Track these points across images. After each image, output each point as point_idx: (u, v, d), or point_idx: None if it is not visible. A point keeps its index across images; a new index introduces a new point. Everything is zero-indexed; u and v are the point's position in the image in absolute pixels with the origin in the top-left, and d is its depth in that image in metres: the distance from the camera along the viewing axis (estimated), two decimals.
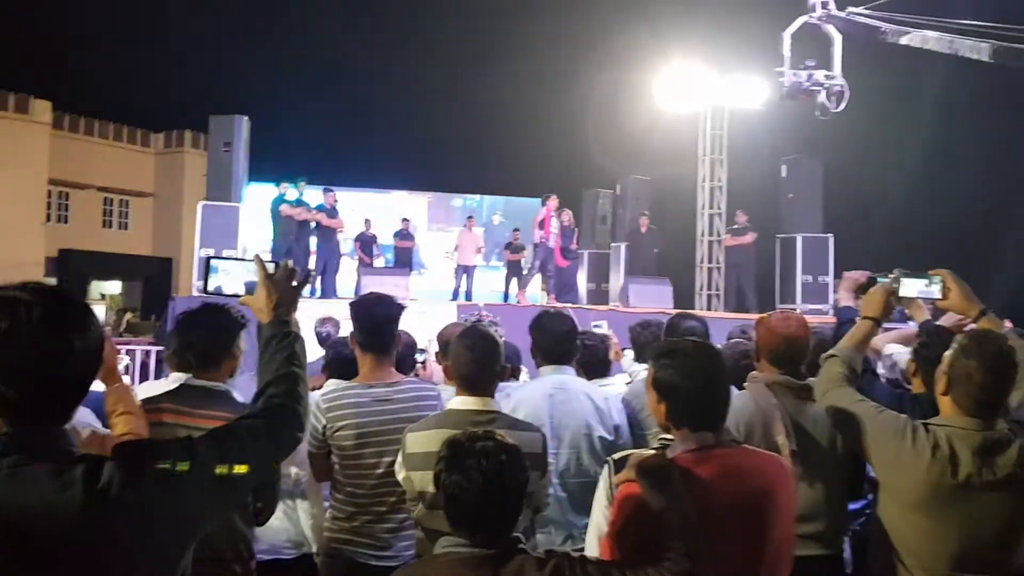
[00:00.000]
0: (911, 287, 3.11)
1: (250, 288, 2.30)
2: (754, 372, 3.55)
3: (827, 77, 13.96)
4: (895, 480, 2.73)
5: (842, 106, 13.88)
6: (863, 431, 2.81)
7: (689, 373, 2.43)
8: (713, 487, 2.33)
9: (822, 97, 13.93)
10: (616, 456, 2.81)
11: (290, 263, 2.32)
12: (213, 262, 2.39)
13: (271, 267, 2.28)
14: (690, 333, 4.33)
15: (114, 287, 38.88)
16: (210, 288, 2.39)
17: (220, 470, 1.74)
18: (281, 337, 2.16)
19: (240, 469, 1.79)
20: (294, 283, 2.27)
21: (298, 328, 2.23)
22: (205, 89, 35.76)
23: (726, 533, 2.28)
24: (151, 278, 37.31)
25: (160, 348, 10.99)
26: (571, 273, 17.13)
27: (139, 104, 38.48)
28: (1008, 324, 3.47)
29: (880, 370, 4.01)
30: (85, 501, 1.54)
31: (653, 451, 2.48)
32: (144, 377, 11.56)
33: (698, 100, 17.84)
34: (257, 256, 2.31)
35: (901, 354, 4.09)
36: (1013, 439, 2.64)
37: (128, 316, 28.59)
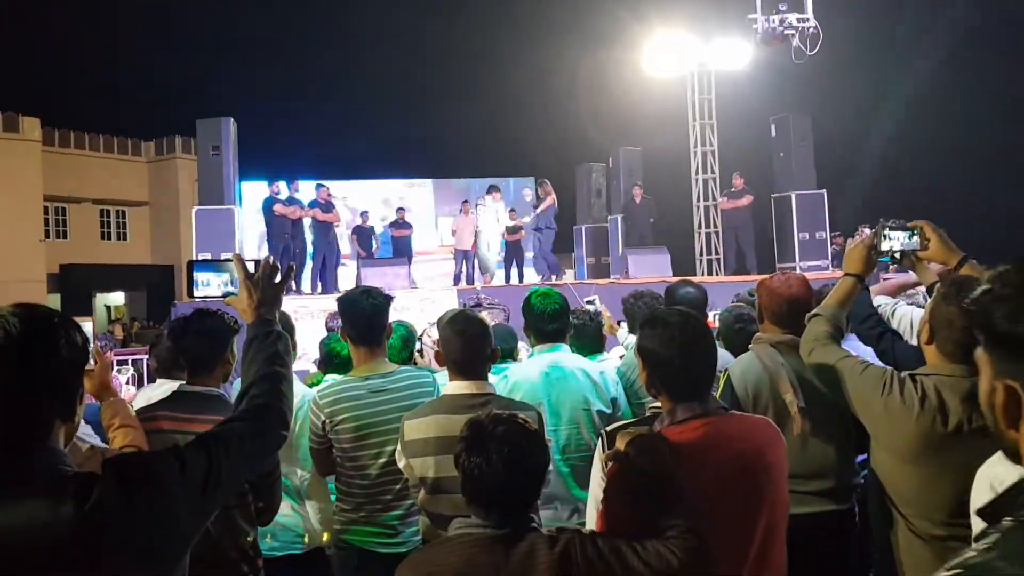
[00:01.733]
0: (891, 241, 3.12)
1: (233, 289, 2.30)
2: (759, 333, 3.58)
3: (800, 20, 13.89)
4: (886, 433, 2.73)
5: (816, 49, 13.80)
6: (850, 387, 2.82)
7: (666, 342, 2.46)
8: (703, 456, 2.35)
9: (796, 41, 13.86)
10: (608, 428, 2.85)
11: (271, 259, 2.30)
12: (196, 267, 2.38)
13: (251, 266, 2.27)
14: (687, 300, 4.35)
15: (118, 298, 38.93)
16: (196, 294, 2.38)
17: (209, 476, 1.75)
18: (264, 336, 2.16)
19: (228, 473, 1.81)
20: (275, 280, 2.27)
21: (280, 326, 2.23)
22: (191, 94, 35.79)
23: (721, 499, 2.31)
24: (154, 286, 37.36)
25: None
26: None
27: (127, 114, 38.54)
28: None
29: None
30: (76, 520, 1.53)
31: (640, 426, 2.50)
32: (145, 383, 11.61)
33: (683, 66, 17.79)
34: (236, 255, 2.30)
35: (908, 310, 4.10)
36: None
37: (136, 326, 28.72)
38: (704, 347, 2.51)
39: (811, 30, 13.90)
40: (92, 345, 2.39)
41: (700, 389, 2.48)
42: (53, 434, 1.66)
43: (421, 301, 12.42)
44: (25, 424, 1.62)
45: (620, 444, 2.32)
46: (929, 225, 3.12)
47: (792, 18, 13.96)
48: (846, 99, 20.20)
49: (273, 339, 2.17)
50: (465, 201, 18.26)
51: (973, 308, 1.31)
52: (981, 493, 2.14)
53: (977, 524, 1.24)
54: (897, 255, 3.13)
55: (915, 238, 3.09)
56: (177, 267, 36.07)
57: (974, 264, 3.00)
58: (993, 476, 2.09)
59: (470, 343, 3.18)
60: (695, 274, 16.80)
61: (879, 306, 4.10)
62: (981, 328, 1.28)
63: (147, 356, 12.48)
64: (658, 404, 2.73)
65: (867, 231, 3.43)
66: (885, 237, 3.10)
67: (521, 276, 16.85)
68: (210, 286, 2.36)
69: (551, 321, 3.94)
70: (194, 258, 13.60)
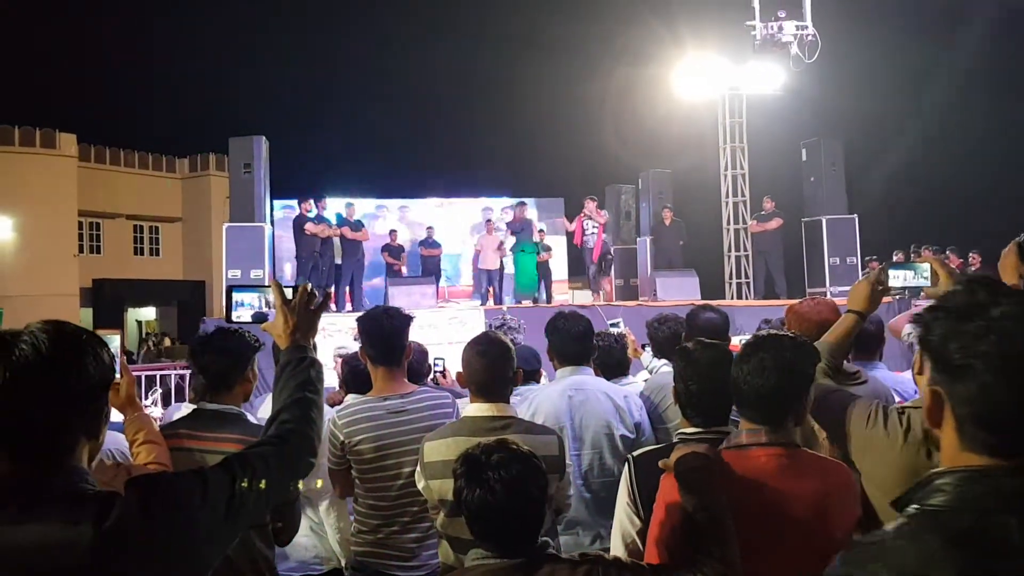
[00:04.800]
0: (899, 277, 3.06)
1: (267, 315, 2.32)
2: None
3: (798, 28, 13.84)
4: (870, 466, 2.63)
5: (815, 56, 13.74)
6: (839, 420, 2.76)
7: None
8: (753, 486, 2.30)
9: (795, 48, 13.81)
10: (636, 453, 2.81)
11: (309, 286, 2.32)
12: (235, 292, 2.40)
13: (289, 292, 2.28)
14: (709, 326, 4.30)
15: (149, 313, 39.33)
16: (234, 317, 2.41)
17: (232, 500, 1.73)
18: (297, 363, 2.16)
19: (252, 497, 1.79)
20: (312, 307, 2.28)
21: (314, 352, 2.23)
22: (226, 112, 36.20)
23: (768, 536, 2.25)
24: (185, 302, 37.70)
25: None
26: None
27: (162, 131, 39.09)
28: None
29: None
30: (95, 540, 1.52)
31: (695, 445, 2.45)
32: (180, 400, 11.69)
33: (714, 89, 17.78)
34: (275, 281, 2.31)
35: None
36: None
37: (166, 342, 28.96)
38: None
39: (809, 38, 13.88)
40: (119, 359, 2.40)
41: (772, 412, 2.43)
42: (77, 452, 1.66)
43: (449, 321, 12.42)
44: (49, 442, 1.62)
45: (671, 467, 2.29)
46: (938, 260, 3.06)
47: (791, 25, 13.93)
48: (878, 124, 20.09)
49: (306, 365, 2.16)
50: (488, 220, 18.25)
51: (917, 320, 1.44)
52: None
53: None
54: (906, 291, 3.07)
55: (922, 274, 3.03)
56: (208, 284, 36.38)
57: None
58: None
59: (492, 365, 3.15)
60: (724, 298, 16.73)
61: (908, 333, 4.04)
62: (921, 340, 1.43)
63: (177, 372, 12.62)
64: (687, 430, 2.70)
65: (876, 264, 3.38)
66: (892, 275, 3.04)
67: (549, 297, 16.80)
68: (247, 307, 2.39)
69: (575, 343, 3.91)
70: (225, 275, 13.77)
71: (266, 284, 2.37)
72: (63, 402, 1.63)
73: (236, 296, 2.39)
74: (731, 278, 18.07)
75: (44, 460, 1.61)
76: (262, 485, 1.83)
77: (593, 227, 16.66)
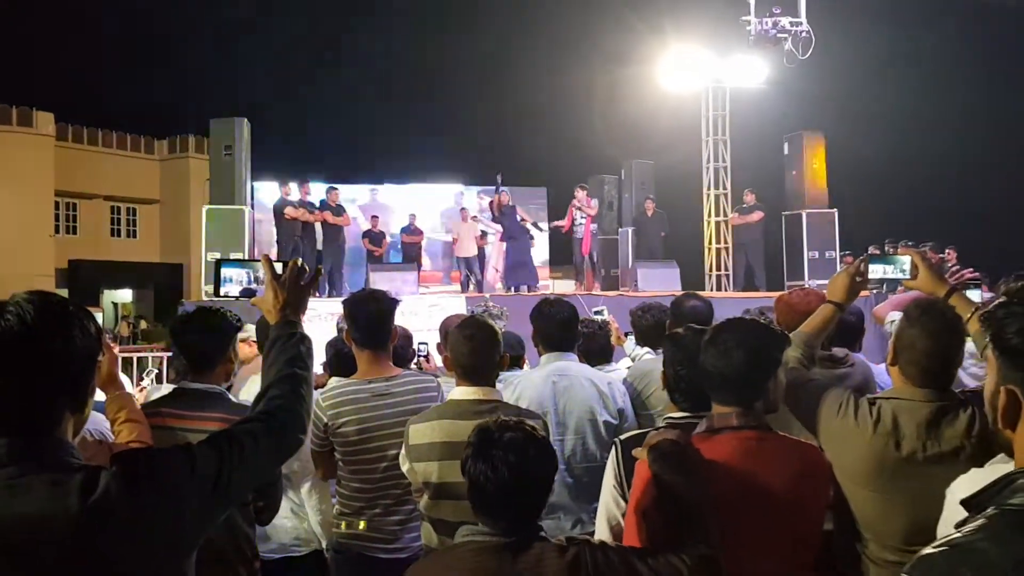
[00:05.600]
0: (878, 271, 3.07)
1: (256, 291, 2.28)
2: None
3: (793, 24, 13.88)
4: (840, 456, 2.65)
5: (808, 53, 13.80)
6: (810, 409, 2.76)
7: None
8: (723, 470, 2.31)
9: (788, 44, 13.86)
10: (623, 436, 2.82)
11: (299, 262, 2.28)
12: (223, 266, 2.36)
13: (279, 267, 2.24)
14: (693, 314, 4.32)
15: (125, 295, 39.05)
16: (221, 292, 2.36)
17: (220, 477, 1.71)
18: (287, 338, 2.12)
19: (240, 474, 1.77)
20: (302, 283, 2.24)
21: (303, 328, 2.20)
22: (206, 94, 35.95)
23: (739, 527, 2.25)
24: (162, 285, 37.46)
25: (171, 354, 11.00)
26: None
27: (142, 111, 38.68)
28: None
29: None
30: (80, 512, 1.51)
31: (666, 431, 2.46)
32: (158, 383, 11.59)
33: (699, 82, 17.80)
34: (265, 256, 2.28)
35: None
36: (962, 409, 2.56)
37: (142, 324, 28.80)
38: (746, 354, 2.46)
39: (804, 34, 13.94)
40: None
41: (740, 395, 2.44)
42: (63, 425, 1.64)
43: (429, 308, 12.38)
44: (34, 413, 1.60)
45: (643, 451, 2.29)
46: (918, 254, 3.08)
47: (785, 21, 13.99)
48: (861, 119, 20.19)
49: (296, 341, 2.13)
50: (463, 208, 18.19)
51: (987, 318, 1.38)
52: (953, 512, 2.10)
53: None
54: (883, 284, 3.08)
55: (902, 268, 3.03)
56: (186, 266, 36.16)
57: (963, 295, 2.93)
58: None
59: (479, 349, 3.15)
60: (704, 289, 16.75)
61: (892, 321, 4.06)
62: (993, 338, 1.36)
63: (154, 355, 12.53)
64: (673, 414, 2.71)
65: (851, 259, 3.40)
66: (872, 268, 3.04)
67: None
68: (235, 283, 2.35)
69: (560, 329, 3.91)
70: (204, 258, 13.65)
71: (255, 259, 2.33)
72: (48, 373, 1.61)
73: (225, 271, 2.34)
74: (711, 270, 18.11)
75: (29, 432, 1.59)
76: (251, 462, 1.81)
77: (582, 217, 16.62)
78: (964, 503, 1.33)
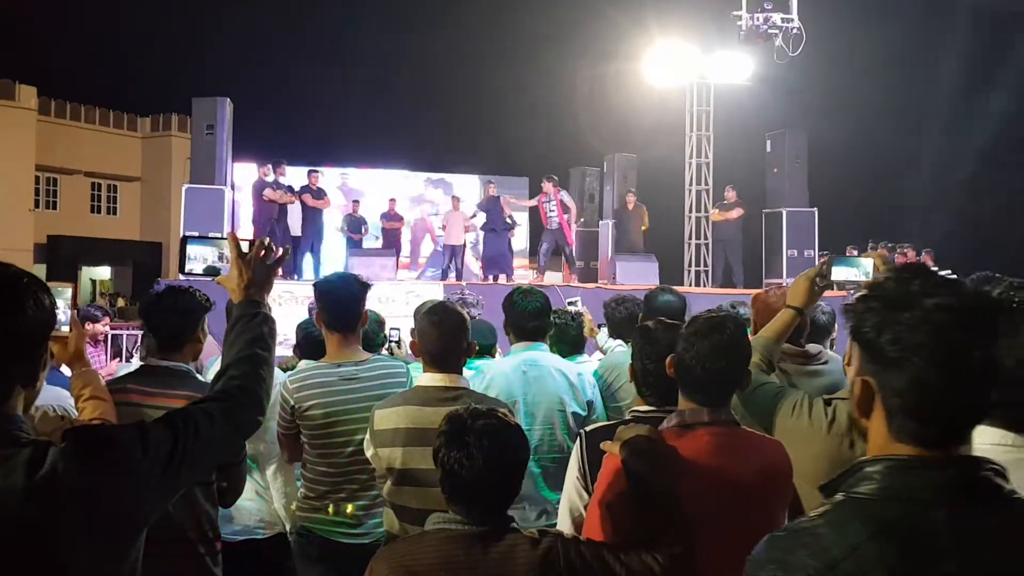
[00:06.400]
0: (840, 272, 3.05)
1: (220, 269, 2.26)
2: None
3: (784, 20, 13.91)
4: (794, 456, 2.63)
5: (799, 50, 13.83)
6: (768, 411, 2.76)
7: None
8: (697, 465, 2.31)
9: (779, 40, 13.89)
10: (588, 428, 2.81)
11: (266, 240, 2.24)
12: (189, 244, 2.32)
13: (245, 246, 2.21)
14: (666, 307, 4.32)
15: (104, 272, 38.77)
16: (187, 269, 2.32)
17: (173, 455, 1.69)
18: (249, 318, 2.09)
19: (194, 453, 1.75)
20: (268, 262, 2.20)
21: (269, 309, 2.17)
22: (190, 72, 35.70)
23: (705, 520, 2.25)
24: (140, 262, 37.18)
25: None
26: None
27: (125, 88, 38.40)
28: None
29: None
30: (26, 487, 1.49)
31: (634, 424, 2.44)
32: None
33: (683, 77, 17.80)
34: (232, 234, 2.25)
35: None
36: None
37: (120, 302, 28.58)
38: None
39: (795, 31, 13.97)
40: (70, 312, 2.33)
41: (720, 395, 2.44)
42: (12, 399, 1.61)
43: (406, 294, 12.37)
44: None
45: (615, 444, 2.27)
46: (882, 258, 3.08)
47: (776, 17, 14.02)
48: (844, 118, 20.26)
49: (259, 321, 2.10)
50: (454, 196, 18.18)
51: (848, 310, 1.43)
52: None
53: None
54: (847, 286, 3.08)
55: (865, 271, 3.02)
56: (165, 245, 35.93)
57: None
58: None
59: (446, 335, 3.13)
60: (682, 284, 16.79)
61: None
62: (852, 330, 1.42)
63: (129, 332, 12.43)
64: (640, 407, 2.71)
65: (855, 252, 3.40)
66: (834, 270, 3.03)
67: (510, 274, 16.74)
68: (199, 261, 2.31)
69: (531, 319, 3.90)
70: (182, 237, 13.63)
71: (222, 236, 2.30)
72: None
73: (191, 249, 2.31)
74: (690, 265, 18.16)
75: None
76: (207, 441, 1.80)
77: (552, 209, 16.55)
78: (821, 488, 1.38)
